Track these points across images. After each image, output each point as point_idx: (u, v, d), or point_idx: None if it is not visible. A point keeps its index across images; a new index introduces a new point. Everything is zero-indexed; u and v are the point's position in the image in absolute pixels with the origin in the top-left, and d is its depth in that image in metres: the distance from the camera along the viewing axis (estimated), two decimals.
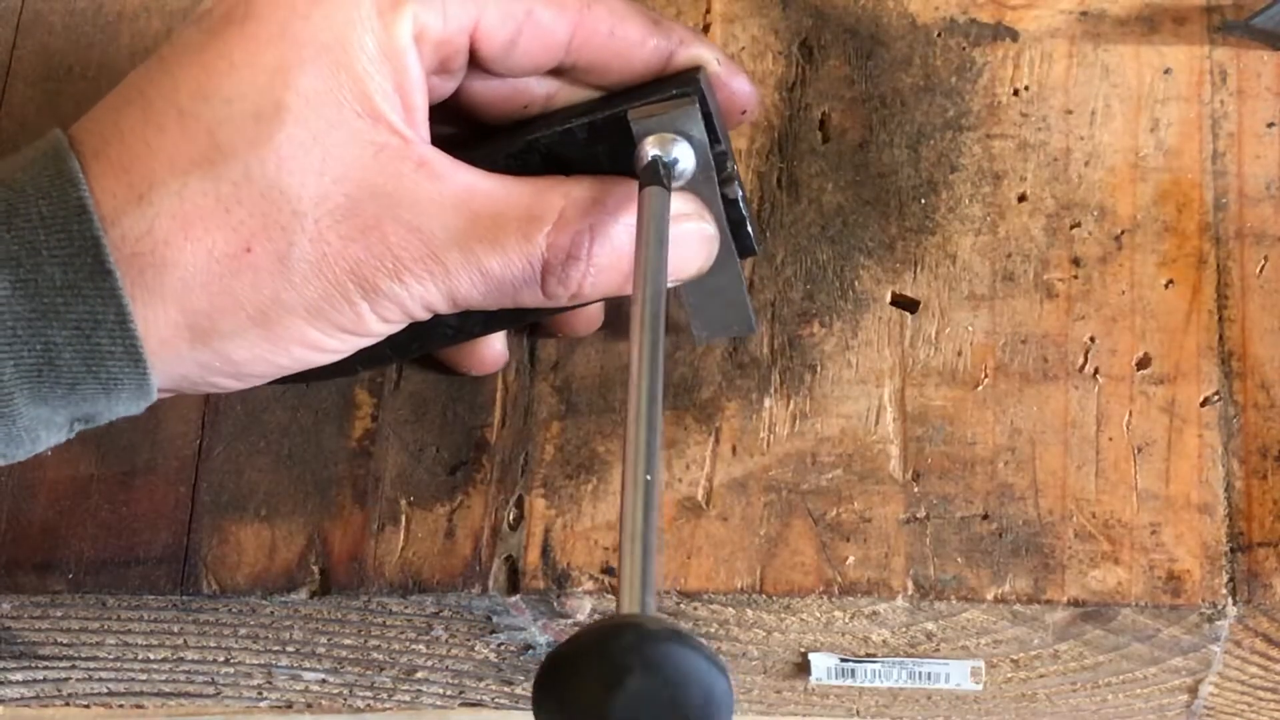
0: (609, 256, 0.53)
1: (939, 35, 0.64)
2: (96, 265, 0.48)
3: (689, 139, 0.53)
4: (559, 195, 0.53)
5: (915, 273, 0.61)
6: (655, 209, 0.52)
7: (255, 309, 0.50)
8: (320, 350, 0.52)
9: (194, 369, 0.51)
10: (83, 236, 0.48)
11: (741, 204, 0.56)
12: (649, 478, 0.46)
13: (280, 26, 0.49)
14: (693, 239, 0.55)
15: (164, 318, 0.50)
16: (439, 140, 0.53)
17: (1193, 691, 0.61)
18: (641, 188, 0.53)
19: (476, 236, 0.51)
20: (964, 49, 0.64)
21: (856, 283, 0.61)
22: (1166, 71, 0.63)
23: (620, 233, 0.53)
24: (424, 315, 0.53)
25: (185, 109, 0.49)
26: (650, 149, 0.53)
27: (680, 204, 0.54)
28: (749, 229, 0.56)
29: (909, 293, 0.60)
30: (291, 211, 0.49)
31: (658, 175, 0.53)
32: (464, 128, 0.57)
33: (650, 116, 0.53)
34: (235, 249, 0.50)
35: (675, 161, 0.53)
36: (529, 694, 0.66)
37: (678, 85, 0.54)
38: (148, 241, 0.49)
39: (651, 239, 0.51)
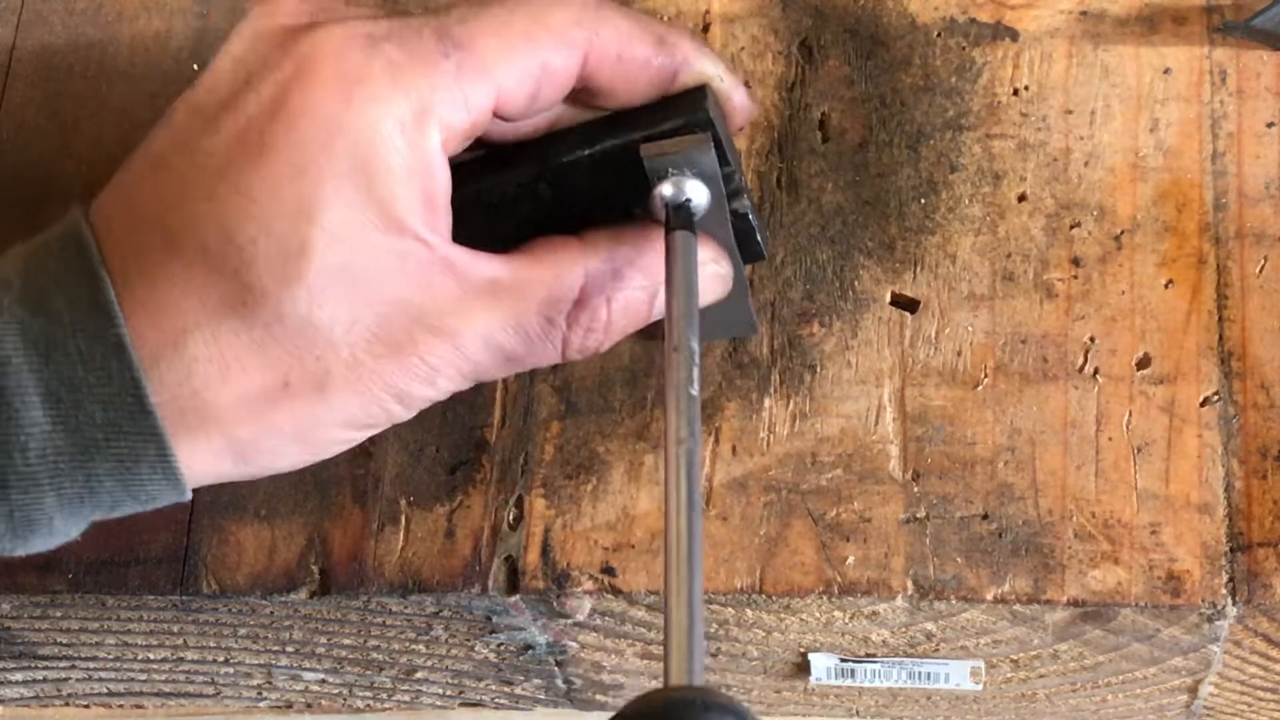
0: (625, 319, 0.54)
1: (939, 35, 0.64)
2: (137, 405, 0.48)
3: (702, 174, 0.53)
4: (579, 273, 0.53)
5: (915, 273, 0.61)
6: (685, 254, 0.53)
7: (295, 431, 0.51)
8: (352, 441, 0.53)
9: (233, 476, 0.52)
10: (122, 377, 0.48)
11: (751, 216, 0.56)
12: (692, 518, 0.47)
13: (302, 160, 0.48)
14: (707, 280, 0.55)
15: (206, 448, 0.50)
16: None
17: (1193, 691, 0.61)
18: (669, 230, 0.53)
19: (501, 327, 0.52)
20: (964, 49, 0.64)
21: (856, 283, 0.61)
22: (1166, 71, 0.63)
23: (637, 295, 0.54)
24: (445, 397, 0.53)
25: (210, 248, 0.48)
26: (666, 190, 0.53)
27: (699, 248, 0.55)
28: (759, 237, 0.56)
29: (909, 293, 0.60)
30: (325, 342, 0.50)
31: (682, 218, 0.53)
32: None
33: (664, 155, 0.53)
34: (273, 386, 0.50)
35: (690, 200, 0.53)
36: (529, 694, 0.66)
37: (685, 110, 0.54)
38: (187, 387, 0.49)
39: (682, 287, 0.52)
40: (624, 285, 0.54)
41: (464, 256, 0.51)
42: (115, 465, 0.49)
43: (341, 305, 0.49)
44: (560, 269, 0.53)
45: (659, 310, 0.55)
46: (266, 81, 0.49)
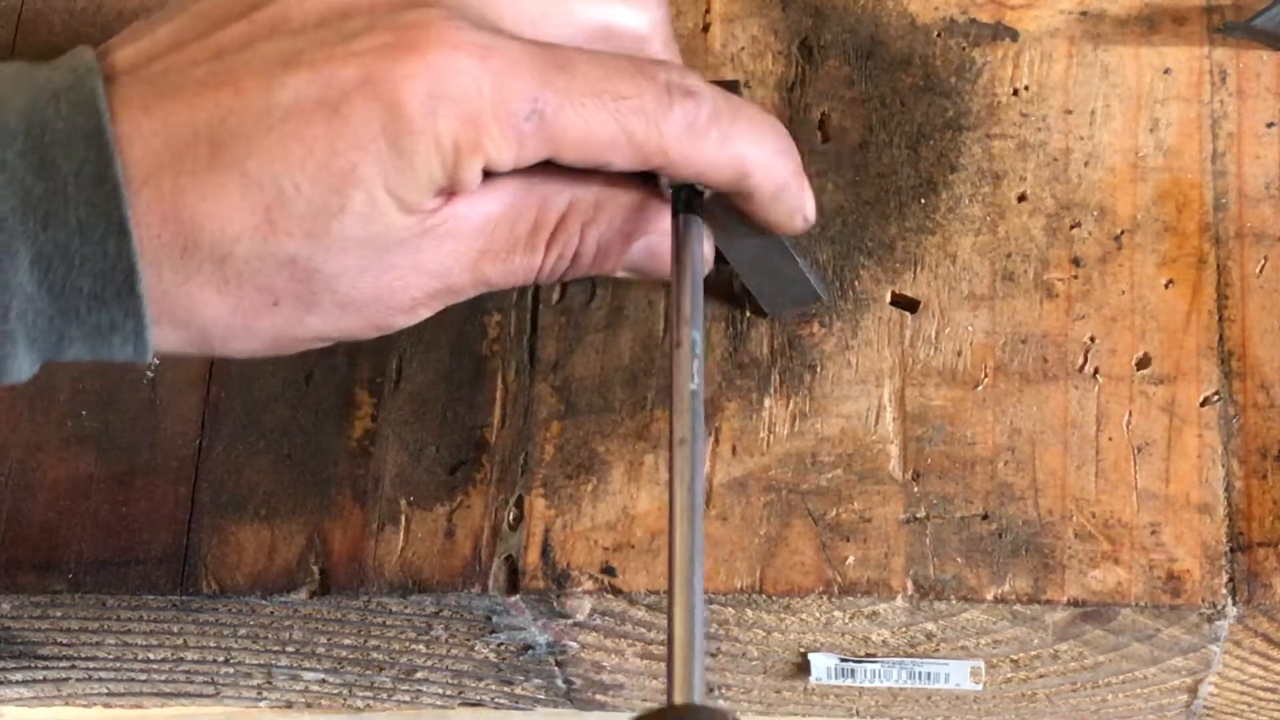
0: (594, 253, 0.55)
1: (939, 35, 0.64)
2: (127, 288, 0.49)
3: None
4: (565, 198, 0.54)
5: (915, 273, 0.61)
6: (692, 241, 0.54)
7: (270, 339, 0.52)
8: (314, 347, 0.54)
9: (189, 355, 0.53)
10: (118, 258, 0.48)
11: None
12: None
13: (368, 138, 0.49)
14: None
15: (181, 336, 0.51)
16: None
17: (1193, 691, 0.61)
18: (676, 212, 0.54)
19: (489, 263, 0.53)
20: (964, 49, 0.64)
21: (856, 283, 0.61)
22: (1166, 71, 0.63)
23: (611, 237, 0.55)
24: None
25: (250, 176, 0.49)
26: None
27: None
28: None
29: (909, 293, 0.60)
30: (326, 283, 0.51)
31: (690, 201, 0.54)
32: None
33: None
34: (263, 304, 0.51)
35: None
36: (529, 694, 0.66)
37: None
38: (181, 292, 0.50)
39: (687, 277, 0.53)
40: (602, 220, 0.55)
41: (465, 207, 0.52)
42: (90, 332, 0.49)
43: (351, 260, 0.50)
44: (545, 195, 0.54)
45: (629, 263, 0.56)
46: (365, 43, 0.49)
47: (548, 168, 0.53)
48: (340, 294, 0.51)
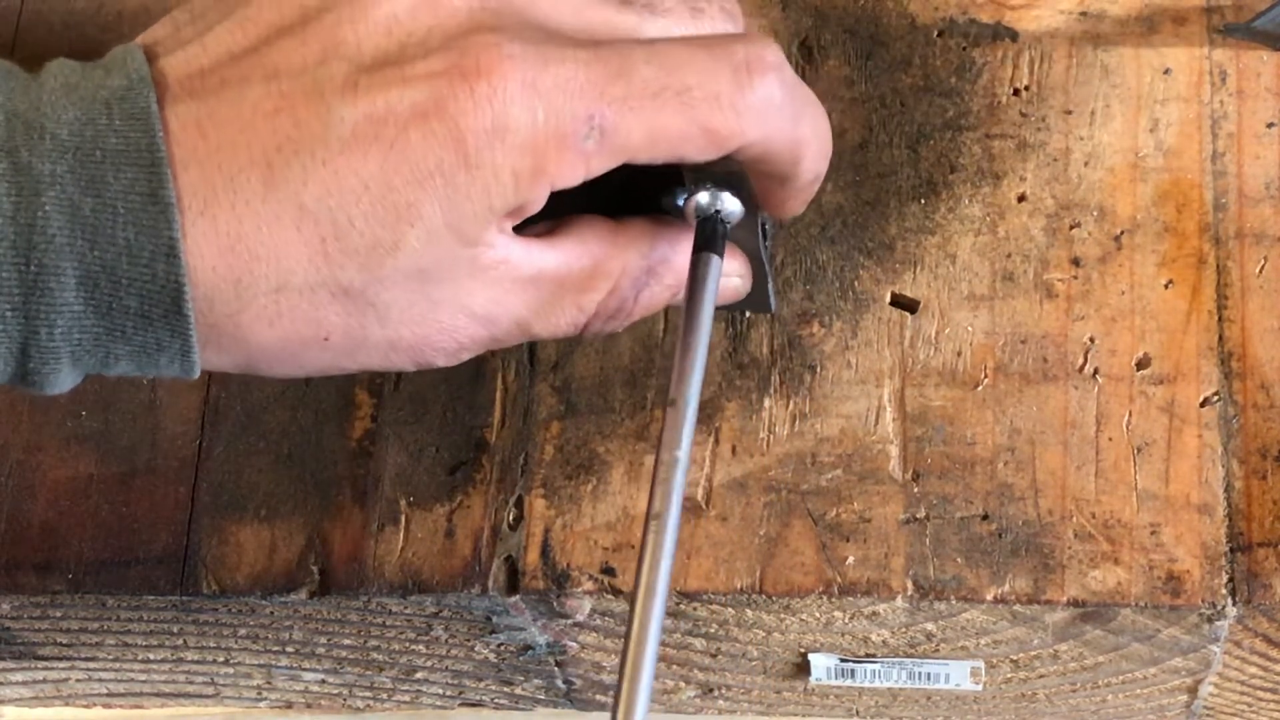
0: (645, 310, 0.56)
1: (938, 35, 0.64)
2: (174, 309, 0.48)
3: (738, 191, 0.54)
4: (617, 267, 0.54)
5: (915, 273, 0.61)
6: (707, 282, 0.53)
7: (316, 369, 0.52)
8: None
9: (231, 371, 0.53)
10: (167, 280, 0.48)
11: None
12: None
13: (424, 173, 0.48)
14: (723, 291, 0.57)
15: (229, 360, 0.51)
16: None
17: (1192, 692, 0.61)
18: (697, 248, 0.54)
19: (535, 313, 0.53)
20: (963, 49, 0.64)
21: (856, 283, 0.61)
22: (1166, 71, 0.63)
23: (662, 293, 0.55)
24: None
25: (306, 209, 0.48)
26: (702, 198, 0.54)
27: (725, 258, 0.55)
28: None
29: (909, 293, 0.60)
30: (377, 318, 0.50)
31: (713, 238, 0.54)
32: None
33: (705, 171, 0.53)
34: (314, 337, 0.50)
35: (721, 210, 0.54)
36: (529, 694, 0.66)
37: None
38: (232, 321, 0.49)
39: (696, 326, 0.53)
40: (653, 283, 0.55)
41: (518, 251, 0.52)
42: (136, 350, 0.49)
43: (403, 294, 0.50)
44: (599, 261, 0.54)
45: (677, 299, 0.56)
46: (421, 72, 0.48)
47: (606, 234, 0.54)
48: (389, 330, 0.51)
